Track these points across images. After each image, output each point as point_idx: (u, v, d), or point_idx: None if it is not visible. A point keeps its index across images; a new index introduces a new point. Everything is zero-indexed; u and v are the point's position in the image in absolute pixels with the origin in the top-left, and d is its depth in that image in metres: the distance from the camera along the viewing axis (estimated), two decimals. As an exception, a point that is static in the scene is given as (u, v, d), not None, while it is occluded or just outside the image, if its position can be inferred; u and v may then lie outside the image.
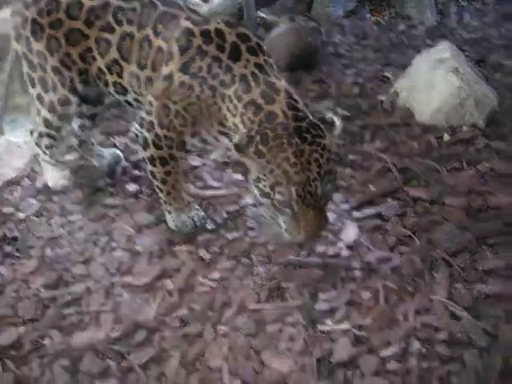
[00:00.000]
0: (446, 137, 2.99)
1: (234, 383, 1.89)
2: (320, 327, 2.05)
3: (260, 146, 2.02)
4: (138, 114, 2.45)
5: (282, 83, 2.18)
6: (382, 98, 3.42)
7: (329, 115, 2.20)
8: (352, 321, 2.06)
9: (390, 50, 4.18)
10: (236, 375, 1.91)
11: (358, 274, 2.26)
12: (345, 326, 2.05)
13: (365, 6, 4.89)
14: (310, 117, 2.13)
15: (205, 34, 2.22)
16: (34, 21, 2.47)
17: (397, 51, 4.16)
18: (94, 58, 2.47)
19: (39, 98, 2.61)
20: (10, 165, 3.01)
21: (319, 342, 1.98)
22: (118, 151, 3.09)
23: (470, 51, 3.97)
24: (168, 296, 2.23)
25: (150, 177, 2.48)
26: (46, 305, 2.23)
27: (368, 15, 4.80)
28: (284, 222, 2.07)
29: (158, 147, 2.36)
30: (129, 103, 2.57)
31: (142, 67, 2.37)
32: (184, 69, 2.23)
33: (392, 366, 1.89)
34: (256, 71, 2.16)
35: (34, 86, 2.60)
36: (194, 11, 2.43)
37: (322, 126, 2.10)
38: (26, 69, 2.59)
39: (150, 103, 2.32)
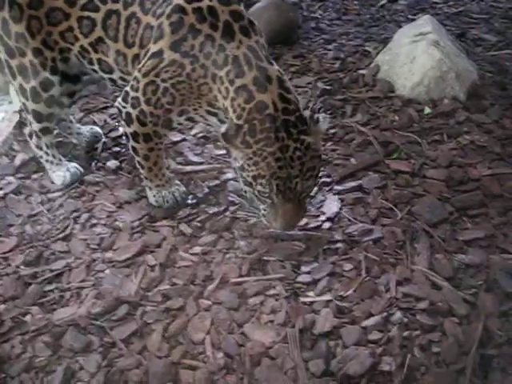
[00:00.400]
0: (427, 110, 2.99)
1: (216, 356, 1.88)
2: (302, 299, 2.05)
3: (247, 137, 2.03)
4: (123, 88, 2.42)
5: (274, 69, 2.15)
6: (364, 72, 3.41)
7: (316, 115, 2.18)
8: (334, 292, 2.06)
9: (371, 25, 4.17)
10: (219, 348, 1.91)
11: (339, 246, 2.26)
12: (327, 297, 2.05)
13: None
14: (300, 109, 2.12)
15: (197, 12, 2.17)
16: (12, 1, 2.40)
17: (378, 26, 4.15)
18: (77, 38, 2.42)
19: (22, 90, 2.56)
20: (-12, 142, 2.97)
21: (301, 313, 1.98)
22: (98, 128, 3.06)
23: (451, 25, 3.97)
24: (150, 271, 2.22)
25: (132, 152, 2.45)
26: (27, 282, 2.21)
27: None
28: (263, 210, 2.14)
29: (142, 124, 2.32)
30: (114, 81, 2.52)
31: (129, 45, 2.33)
32: (175, 47, 2.18)
33: (374, 336, 1.90)
34: (249, 54, 2.12)
35: (14, 76, 2.54)
36: None
37: (309, 122, 2.09)
38: (3, 55, 2.52)
39: (136, 79, 2.28)
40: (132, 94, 2.30)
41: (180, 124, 2.41)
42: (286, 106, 2.06)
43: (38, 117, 2.62)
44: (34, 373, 1.88)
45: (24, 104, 2.61)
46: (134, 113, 2.31)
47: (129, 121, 2.35)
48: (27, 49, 2.47)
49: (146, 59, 2.25)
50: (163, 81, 2.22)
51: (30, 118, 2.65)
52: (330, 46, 3.87)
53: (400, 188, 2.52)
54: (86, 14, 2.36)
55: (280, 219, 2.09)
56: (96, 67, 2.49)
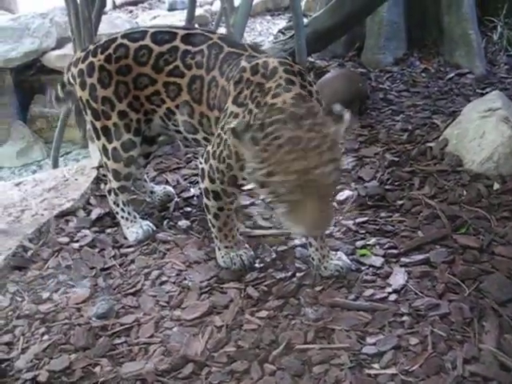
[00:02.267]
0: (496, 185, 2.98)
1: (280, 424, 1.89)
2: (367, 371, 2.05)
3: (256, 133, 1.98)
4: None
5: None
6: (432, 144, 3.44)
7: (337, 108, 2.15)
8: (399, 366, 2.05)
9: (439, 98, 4.22)
10: (282, 415, 1.92)
11: (405, 319, 2.25)
12: (392, 370, 2.04)
13: (414, 53, 4.98)
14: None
15: (253, 67, 2.30)
16: (101, 67, 2.59)
17: (446, 99, 4.19)
18: (164, 101, 2.58)
19: (104, 149, 2.72)
20: (66, 196, 3.14)
21: (366, 385, 1.98)
22: (170, 188, 3.19)
23: (521, 101, 3.98)
24: (216, 332, 2.26)
25: (205, 209, 2.54)
26: (97, 334, 2.29)
27: (417, 63, 4.87)
28: (284, 214, 2.00)
29: (211, 180, 2.42)
30: (197, 141, 2.66)
31: (211, 108, 2.47)
32: (235, 100, 2.31)
33: (440, 414, 1.88)
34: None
35: (98, 137, 2.72)
36: (256, 49, 2.53)
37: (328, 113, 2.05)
38: (89, 117, 2.71)
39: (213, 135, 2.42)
40: (207, 148, 2.43)
41: (244, 179, 2.38)
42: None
43: (117, 175, 2.76)
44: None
45: (105, 163, 2.76)
46: (206, 168, 2.42)
47: (202, 176, 2.46)
48: (113, 112, 2.64)
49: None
50: (224, 132, 2.31)
51: (109, 176, 2.80)
52: (397, 118, 3.94)
53: (468, 264, 2.50)
54: (172, 79, 2.52)
55: (303, 220, 1.92)
56: (181, 128, 2.63)
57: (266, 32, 6.37)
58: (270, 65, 2.27)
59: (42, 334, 2.30)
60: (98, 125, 2.68)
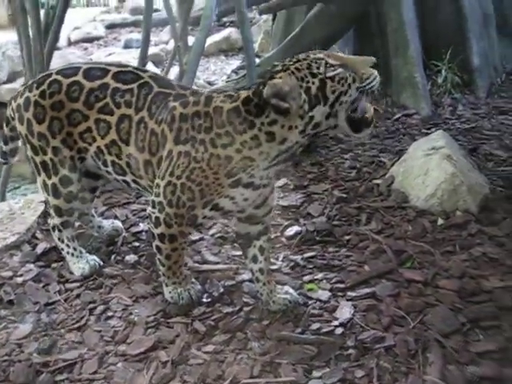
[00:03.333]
0: (440, 221, 3.06)
1: None
2: (313, 405, 2.05)
3: None
4: (150, 198, 2.50)
5: None
6: (378, 181, 3.53)
7: None
8: (345, 399, 2.06)
9: (387, 137, 4.35)
10: None
11: (351, 352, 2.26)
12: (337, 404, 2.04)
13: (363, 95, 5.11)
14: None
15: (183, 103, 2.35)
16: (36, 103, 2.58)
17: (393, 138, 4.32)
18: (94, 139, 2.56)
19: (44, 185, 2.70)
20: (11, 230, 3.08)
21: (311, 419, 1.97)
22: (119, 222, 3.16)
23: (463, 140, 4.13)
24: (162, 367, 2.22)
25: (155, 251, 2.50)
26: (39, 370, 2.22)
27: (367, 104, 5.00)
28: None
29: (168, 226, 2.39)
30: (127, 183, 2.64)
31: (140, 150, 2.46)
32: (176, 140, 2.33)
33: None
34: None
35: (39, 172, 2.70)
36: (182, 87, 2.56)
37: None
38: (29, 152, 2.69)
39: (158, 185, 2.39)
40: (156, 199, 2.40)
41: (204, 217, 2.42)
42: None
43: (59, 211, 2.72)
44: None
45: (47, 199, 2.73)
46: (162, 216, 2.38)
47: (157, 224, 2.42)
48: (48, 148, 2.61)
49: (161, 165, 2.38)
50: (178, 178, 2.31)
51: (51, 212, 2.76)
52: (346, 156, 4.03)
53: (413, 297, 2.55)
54: (103, 117, 2.52)
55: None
56: (110, 169, 2.61)
57: (219, 71, 6.47)
58: (201, 96, 2.35)
59: (-21, 372, 2.22)
60: (37, 160, 2.66)
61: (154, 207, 2.41)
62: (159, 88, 2.47)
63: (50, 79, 2.58)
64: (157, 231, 2.43)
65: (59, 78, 2.58)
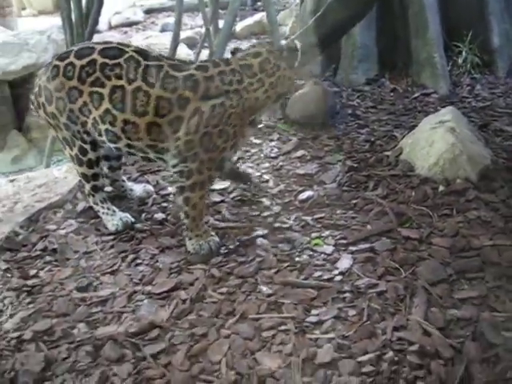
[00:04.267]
0: (441, 188, 3.32)
1: (229, 374, 2.20)
2: (308, 335, 2.36)
3: None
4: (169, 162, 2.89)
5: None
6: (388, 153, 3.80)
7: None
8: (337, 332, 2.36)
9: (403, 114, 4.59)
10: (232, 368, 2.22)
11: (347, 295, 2.57)
12: (330, 335, 2.35)
13: (384, 74, 5.36)
14: None
15: (202, 67, 2.86)
16: (44, 88, 2.96)
17: (408, 115, 4.56)
18: (90, 111, 2.91)
19: (70, 156, 3.10)
20: (55, 191, 3.47)
21: (306, 346, 2.29)
22: (150, 186, 3.52)
23: (476, 117, 4.36)
24: (181, 304, 2.58)
25: (183, 203, 2.87)
26: (77, 304, 2.60)
27: (387, 83, 5.25)
28: None
29: (200, 173, 2.83)
30: (119, 149, 2.99)
31: (139, 114, 2.81)
32: (205, 97, 2.78)
33: (366, 369, 2.18)
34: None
35: (64, 146, 3.09)
36: (170, 58, 2.99)
37: None
38: (52, 131, 3.11)
39: (189, 141, 2.78)
40: (187, 153, 2.80)
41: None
42: None
43: (85, 178, 3.10)
44: (75, 374, 2.23)
45: (76, 169, 3.12)
46: (194, 166, 2.80)
47: (189, 175, 2.81)
48: (60, 124, 2.99)
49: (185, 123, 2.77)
50: (215, 126, 2.78)
51: (82, 180, 3.14)
52: (362, 131, 4.29)
53: (407, 252, 2.83)
54: (96, 89, 2.86)
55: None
56: (104, 137, 2.94)
57: (251, 53, 6.76)
58: (213, 61, 2.99)
59: (28, 303, 2.62)
60: (60, 136, 3.05)
61: (185, 161, 2.81)
62: (146, 61, 2.84)
63: (51, 66, 2.96)
64: (188, 182, 2.82)
65: (57, 62, 2.94)
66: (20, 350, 2.35)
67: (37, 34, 6.46)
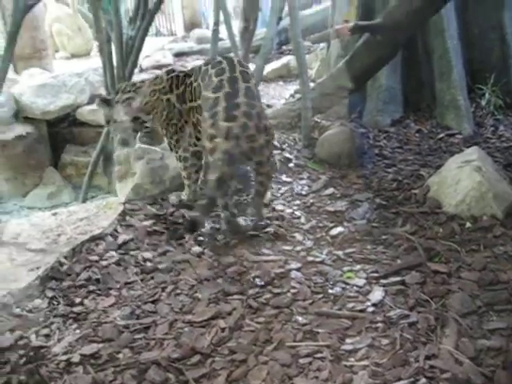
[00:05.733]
0: (468, 224, 3.43)
1: (268, 398, 2.31)
2: (344, 363, 2.47)
3: None
4: None
5: None
6: (416, 191, 3.93)
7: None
8: (371, 359, 2.46)
9: (429, 154, 4.73)
10: (271, 392, 2.34)
11: (380, 325, 2.67)
12: (364, 362, 2.45)
13: (409, 116, 5.53)
14: None
15: None
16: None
17: (434, 155, 4.70)
18: None
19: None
20: (97, 224, 3.64)
21: (342, 373, 2.39)
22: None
23: (500, 157, 4.48)
24: (220, 332, 2.69)
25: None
26: (121, 330, 2.73)
27: (412, 124, 5.41)
28: None
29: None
30: None
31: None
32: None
33: (400, 394, 2.28)
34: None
35: None
36: None
37: None
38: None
39: None
40: None
41: None
42: None
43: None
44: (121, 397, 2.36)
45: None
46: None
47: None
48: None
49: None
50: None
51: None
52: (389, 170, 4.44)
53: (437, 285, 2.93)
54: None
55: None
56: None
57: (278, 95, 7.01)
58: None
59: (75, 329, 2.75)
60: None
61: None
62: None
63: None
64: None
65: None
66: (69, 372, 2.48)
67: (75, 76, 6.78)
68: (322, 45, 7.66)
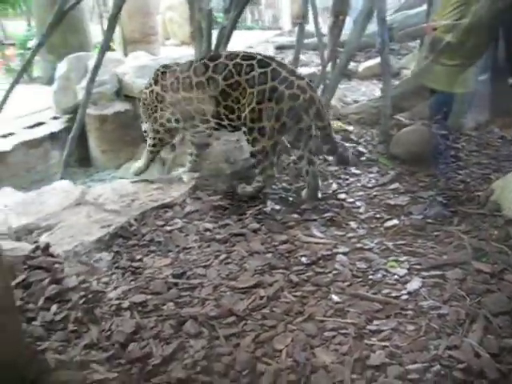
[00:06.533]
0: (525, 230, 3.42)
1: (287, 361, 2.48)
2: (365, 341, 2.59)
3: None
4: None
5: None
6: (480, 193, 3.92)
7: None
8: (392, 341, 2.57)
9: (505, 160, 4.66)
10: (290, 356, 2.50)
11: (409, 312, 2.76)
12: (385, 343, 2.57)
13: (495, 122, 5.44)
14: None
15: None
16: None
17: (510, 160, 4.63)
18: None
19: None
20: (169, 194, 3.95)
21: (361, 349, 2.52)
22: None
23: None
24: (258, 299, 2.89)
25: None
26: (170, 287, 3.01)
27: (496, 130, 5.32)
28: None
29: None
30: None
31: None
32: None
33: (412, 376, 2.37)
34: None
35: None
36: None
37: None
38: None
39: None
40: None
41: None
42: None
43: None
44: (158, 341, 2.61)
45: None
46: None
47: None
48: None
49: None
50: None
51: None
52: (460, 172, 4.43)
53: (477, 283, 2.96)
54: None
55: None
56: None
57: (368, 93, 7.08)
58: None
59: (130, 281, 3.07)
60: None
61: None
62: None
63: None
64: None
65: None
66: (118, 315, 2.78)
67: (171, 60, 7.17)
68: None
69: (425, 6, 10.68)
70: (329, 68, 6.15)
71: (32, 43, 8.76)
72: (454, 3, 4.13)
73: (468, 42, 4.22)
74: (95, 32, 9.75)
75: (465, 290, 2.91)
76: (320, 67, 8.07)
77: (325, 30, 6.96)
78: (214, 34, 5.10)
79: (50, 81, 7.84)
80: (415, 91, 5.18)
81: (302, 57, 8.18)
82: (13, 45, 11.74)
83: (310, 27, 11.06)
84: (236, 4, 4.85)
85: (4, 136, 6.30)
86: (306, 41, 7.53)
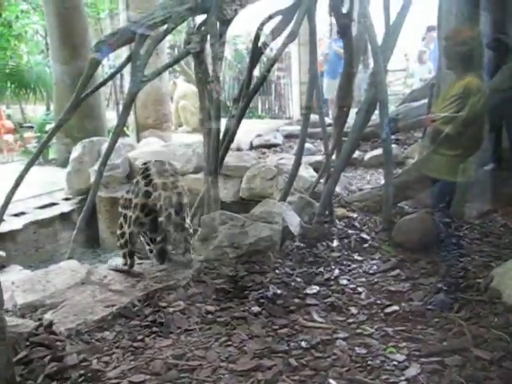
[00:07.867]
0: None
1: None
2: None
3: None
4: None
5: None
6: (480, 280, 3.96)
7: None
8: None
9: (507, 248, 4.71)
10: None
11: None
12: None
13: (498, 210, 5.54)
14: None
15: None
16: None
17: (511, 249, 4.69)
18: None
19: None
20: (173, 276, 4.03)
21: None
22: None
23: None
24: (256, 382, 2.91)
25: None
26: (169, 368, 3.03)
27: (499, 218, 5.41)
28: None
29: None
30: None
31: None
32: None
33: None
34: None
35: None
36: None
37: None
38: None
39: None
40: None
41: None
42: None
43: None
44: None
45: None
46: None
47: None
48: None
49: None
50: None
51: None
52: (462, 259, 4.47)
53: (476, 370, 2.96)
54: None
55: None
56: None
57: (373, 181, 7.24)
58: None
59: (130, 360, 3.10)
60: None
61: None
62: None
63: None
64: None
65: None
66: (116, 394, 2.81)
67: (184, 146, 7.45)
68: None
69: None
70: (334, 157, 6.35)
71: (50, 127, 9.14)
72: (452, 96, 4.33)
73: (465, 133, 4.40)
74: (111, 117, 10.16)
75: (463, 377, 2.91)
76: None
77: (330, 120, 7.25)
78: (223, 122, 5.32)
79: (64, 163, 8.15)
80: (418, 180, 5.33)
81: (310, 145, 8.49)
82: (31, 128, 12.24)
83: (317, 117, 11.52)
84: (245, 94, 5.11)
85: (16, 215, 6.49)
86: (314, 130, 7.86)
